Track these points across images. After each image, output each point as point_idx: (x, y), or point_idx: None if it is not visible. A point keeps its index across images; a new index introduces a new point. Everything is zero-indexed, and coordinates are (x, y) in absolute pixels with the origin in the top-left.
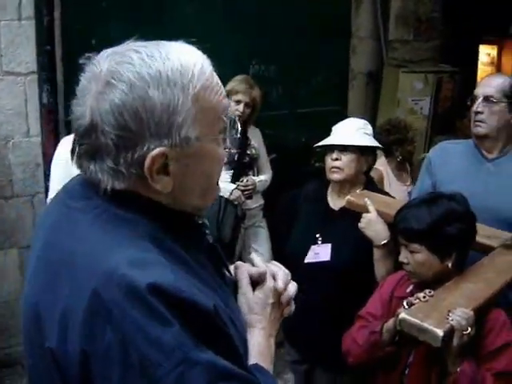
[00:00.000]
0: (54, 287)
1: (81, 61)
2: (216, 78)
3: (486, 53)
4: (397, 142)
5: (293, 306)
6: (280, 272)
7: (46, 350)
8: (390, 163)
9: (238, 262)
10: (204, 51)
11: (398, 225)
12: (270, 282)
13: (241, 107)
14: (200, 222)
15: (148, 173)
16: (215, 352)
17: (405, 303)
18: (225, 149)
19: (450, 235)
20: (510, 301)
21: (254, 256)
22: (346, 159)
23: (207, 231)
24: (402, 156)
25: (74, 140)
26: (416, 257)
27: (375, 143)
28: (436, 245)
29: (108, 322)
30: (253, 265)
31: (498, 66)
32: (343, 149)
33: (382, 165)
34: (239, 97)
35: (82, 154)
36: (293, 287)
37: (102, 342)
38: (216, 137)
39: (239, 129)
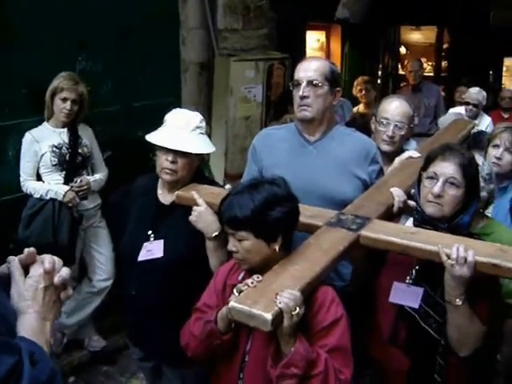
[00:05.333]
0: None
1: None
2: None
3: (316, 39)
4: None
5: (70, 290)
6: (47, 257)
7: None
8: None
9: (10, 257)
10: (26, 48)
11: (222, 214)
12: (38, 269)
13: (68, 105)
14: None
15: None
16: None
17: (235, 290)
18: None
19: (274, 219)
20: (345, 277)
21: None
22: (181, 162)
23: None
24: None
25: None
26: (244, 244)
27: (211, 146)
28: (261, 230)
29: None
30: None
31: (327, 51)
32: (180, 152)
33: None
34: (65, 94)
35: None
36: (66, 270)
37: None
38: None
39: None
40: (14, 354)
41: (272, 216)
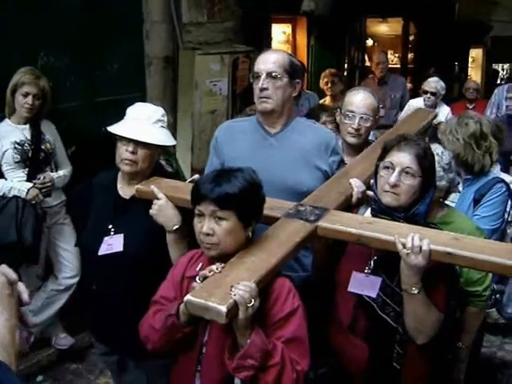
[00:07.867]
0: None
1: None
2: None
3: (282, 31)
4: None
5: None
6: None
7: None
8: None
9: None
10: None
11: (207, 192)
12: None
13: (29, 100)
14: None
15: None
16: None
17: (198, 278)
18: None
19: (256, 202)
20: (307, 267)
21: None
22: (141, 153)
23: None
24: None
25: None
26: (224, 225)
27: (172, 139)
28: (245, 210)
29: None
30: None
31: (293, 44)
32: (140, 143)
33: None
34: (26, 89)
35: None
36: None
37: None
38: None
39: None
40: None
41: (255, 198)
